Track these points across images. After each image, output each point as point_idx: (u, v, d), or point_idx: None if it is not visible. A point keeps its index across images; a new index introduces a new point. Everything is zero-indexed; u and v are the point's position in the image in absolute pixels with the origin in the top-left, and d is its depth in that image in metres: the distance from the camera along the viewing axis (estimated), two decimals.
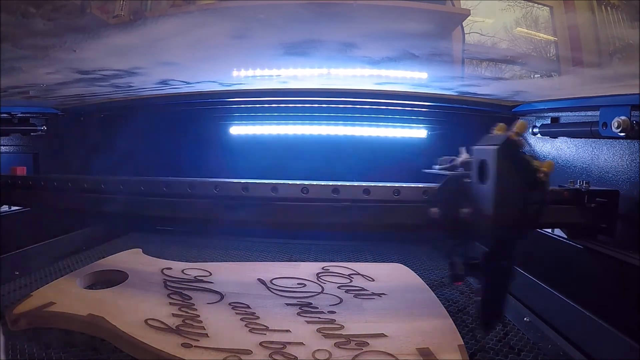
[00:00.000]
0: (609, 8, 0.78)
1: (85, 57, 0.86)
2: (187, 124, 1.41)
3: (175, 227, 1.40)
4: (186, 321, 0.69)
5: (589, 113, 0.84)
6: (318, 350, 0.62)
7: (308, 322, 0.71)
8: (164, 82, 1.05)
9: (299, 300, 0.80)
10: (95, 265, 0.96)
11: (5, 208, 1.02)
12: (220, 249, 1.23)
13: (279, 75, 0.98)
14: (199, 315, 0.72)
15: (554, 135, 0.98)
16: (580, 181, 0.78)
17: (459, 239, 0.61)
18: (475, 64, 0.91)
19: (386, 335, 0.66)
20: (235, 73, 0.98)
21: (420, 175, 0.76)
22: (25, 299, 0.75)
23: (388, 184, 0.70)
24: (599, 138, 0.79)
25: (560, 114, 0.95)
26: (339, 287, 0.87)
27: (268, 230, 1.34)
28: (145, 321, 0.68)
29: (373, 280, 0.91)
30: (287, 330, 0.68)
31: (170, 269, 0.94)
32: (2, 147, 1.11)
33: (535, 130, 1.02)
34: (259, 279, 0.89)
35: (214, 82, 1.09)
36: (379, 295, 0.83)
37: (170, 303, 0.76)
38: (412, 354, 0.61)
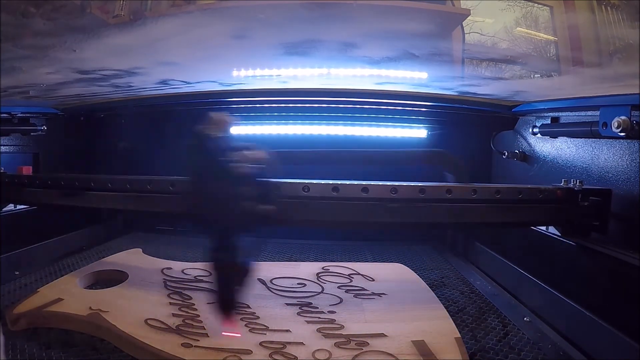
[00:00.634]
0: (609, 8, 0.78)
1: (85, 57, 0.86)
2: (187, 124, 1.41)
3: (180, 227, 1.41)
4: (186, 321, 0.69)
5: (589, 113, 0.84)
6: (318, 350, 0.62)
7: (308, 322, 0.71)
8: (164, 82, 1.05)
9: (299, 300, 0.80)
10: (95, 265, 0.96)
11: (10, 207, 1.03)
12: None
13: (279, 75, 0.98)
14: (199, 315, 0.72)
15: (554, 135, 0.98)
16: (574, 180, 0.79)
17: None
18: (475, 63, 0.91)
19: (386, 335, 0.66)
20: (235, 73, 0.98)
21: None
22: (26, 299, 0.75)
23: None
24: (599, 138, 0.79)
25: (560, 113, 0.95)
26: (339, 287, 0.87)
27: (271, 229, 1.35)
28: (145, 321, 0.68)
29: (373, 280, 0.91)
30: (287, 330, 0.68)
31: (170, 269, 0.94)
32: (2, 147, 1.11)
33: (535, 130, 1.02)
34: (258, 279, 0.89)
35: (214, 82, 1.09)
36: (379, 295, 0.83)
37: (170, 303, 0.76)
38: (412, 353, 0.61)
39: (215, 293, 0.61)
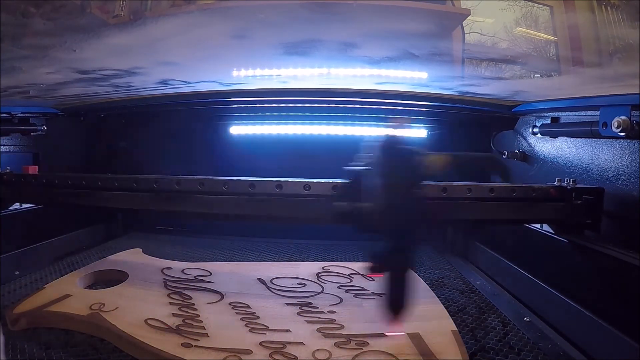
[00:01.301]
0: (609, 8, 0.78)
1: (85, 57, 0.86)
2: (187, 124, 1.41)
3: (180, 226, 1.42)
4: (186, 321, 0.69)
5: (589, 113, 0.84)
6: (318, 350, 0.62)
7: (308, 321, 0.71)
8: (164, 82, 1.05)
9: (299, 300, 0.80)
10: (95, 265, 0.96)
11: (16, 206, 1.03)
12: (220, 249, 1.23)
13: (279, 75, 0.98)
14: (199, 315, 0.72)
15: (554, 135, 0.98)
16: (567, 179, 0.81)
17: (365, 232, 0.63)
18: (475, 63, 0.90)
19: (386, 335, 0.66)
20: (235, 73, 0.98)
21: None
22: (26, 299, 0.75)
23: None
24: (599, 138, 0.80)
25: (560, 113, 0.95)
26: (339, 287, 0.87)
27: (269, 229, 1.35)
28: (146, 321, 0.68)
29: (373, 280, 0.91)
30: (287, 330, 0.68)
31: (170, 269, 0.94)
32: (2, 147, 1.11)
33: (536, 130, 1.02)
34: (259, 279, 0.90)
35: (214, 82, 1.08)
36: (379, 295, 0.83)
37: (170, 303, 0.76)
38: (412, 353, 0.61)
39: (386, 294, 0.62)
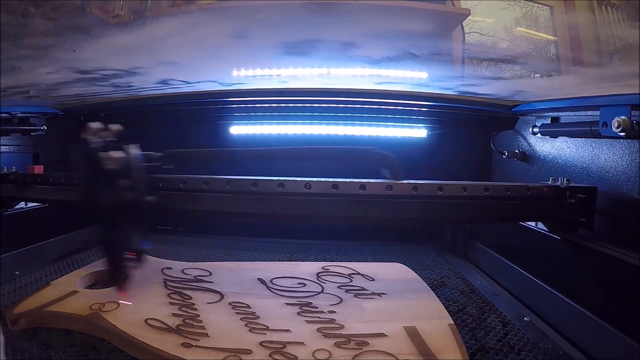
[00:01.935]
0: (609, 8, 0.78)
1: (85, 56, 0.86)
2: (187, 124, 1.41)
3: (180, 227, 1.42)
4: (186, 321, 0.69)
5: (589, 113, 0.84)
6: (318, 349, 0.62)
7: (308, 321, 0.71)
8: (164, 82, 1.05)
9: (299, 300, 0.80)
10: (95, 265, 0.96)
11: (22, 205, 1.04)
12: (220, 249, 1.23)
13: (279, 75, 0.98)
14: (199, 315, 0.72)
15: (554, 135, 0.98)
16: (561, 179, 0.83)
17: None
18: (475, 63, 0.90)
19: (386, 335, 0.66)
20: (235, 73, 0.98)
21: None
22: (26, 299, 0.75)
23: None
24: (599, 138, 0.80)
25: (560, 113, 0.95)
26: (339, 287, 0.87)
27: (269, 229, 1.35)
28: (146, 321, 0.68)
29: (373, 280, 0.91)
30: (287, 330, 0.68)
31: (170, 268, 0.94)
32: (2, 147, 1.11)
33: (536, 129, 1.02)
34: (259, 279, 0.90)
35: (214, 81, 1.09)
36: (379, 295, 0.83)
37: (171, 303, 0.76)
38: (412, 353, 0.61)
39: (107, 267, 0.70)
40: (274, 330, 0.68)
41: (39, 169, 1.00)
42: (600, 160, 0.84)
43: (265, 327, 0.68)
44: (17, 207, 1.03)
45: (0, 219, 0.95)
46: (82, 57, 0.86)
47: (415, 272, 0.98)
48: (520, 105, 1.05)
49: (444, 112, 1.22)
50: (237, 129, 1.37)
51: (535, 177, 1.04)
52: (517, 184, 0.80)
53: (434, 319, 0.72)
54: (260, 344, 0.63)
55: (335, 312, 0.75)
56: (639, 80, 0.70)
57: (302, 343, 0.64)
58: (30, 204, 1.05)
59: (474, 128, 1.29)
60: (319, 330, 0.68)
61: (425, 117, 1.29)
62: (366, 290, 0.85)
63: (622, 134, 0.70)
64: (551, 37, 0.85)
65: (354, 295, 0.83)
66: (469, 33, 0.84)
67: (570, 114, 0.92)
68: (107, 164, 0.63)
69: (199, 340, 0.63)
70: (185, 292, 0.82)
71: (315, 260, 1.11)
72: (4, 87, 0.96)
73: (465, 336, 0.70)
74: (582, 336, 0.71)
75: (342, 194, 0.74)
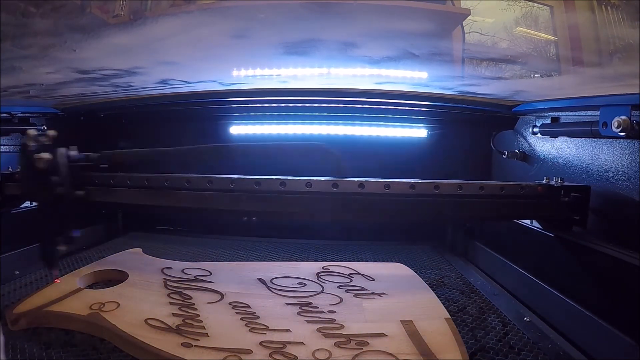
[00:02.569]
0: (609, 8, 0.78)
1: (85, 56, 0.86)
2: (187, 124, 1.41)
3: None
4: (186, 321, 0.69)
5: (589, 113, 0.84)
6: (318, 349, 0.62)
7: (308, 321, 0.71)
8: (164, 82, 1.05)
9: (299, 299, 0.80)
10: (95, 265, 0.96)
11: (27, 204, 1.03)
12: (220, 248, 1.23)
13: (279, 75, 0.98)
14: (199, 315, 0.72)
15: (554, 135, 0.98)
16: (555, 178, 0.84)
17: None
18: (475, 63, 0.91)
19: (386, 335, 0.66)
20: (235, 72, 0.98)
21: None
22: (26, 299, 0.75)
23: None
24: (599, 138, 0.80)
25: (560, 113, 0.95)
26: (339, 287, 0.87)
27: (269, 229, 1.36)
28: (146, 321, 0.68)
29: (373, 279, 0.91)
30: (287, 330, 0.68)
31: (170, 268, 0.94)
32: (2, 147, 1.11)
33: (536, 129, 1.02)
34: (259, 279, 0.89)
35: (214, 81, 1.09)
36: (379, 294, 0.83)
37: (170, 303, 0.76)
38: (412, 353, 0.61)
39: (41, 252, 0.79)
40: (274, 330, 0.68)
41: None
42: (600, 160, 0.84)
43: (265, 327, 0.68)
44: (22, 206, 1.02)
45: (0, 219, 0.95)
46: (82, 57, 0.86)
47: (415, 272, 0.97)
48: (520, 105, 1.05)
49: (444, 112, 1.22)
50: (237, 129, 1.37)
51: (535, 177, 1.04)
52: (511, 182, 0.82)
53: (434, 319, 0.72)
54: (260, 343, 0.63)
55: (335, 312, 0.75)
56: (639, 80, 0.70)
57: (302, 343, 0.64)
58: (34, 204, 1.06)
59: (474, 128, 1.29)
60: (319, 330, 0.68)
61: (425, 117, 1.29)
62: (366, 290, 0.85)
63: (622, 134, 0.70)
64: (551, 37, 0.85)
65: (354, 295, 0.83)
66: (469, 33, 0.84)
67: (570, 114, 0.92)
68: (37, 163, 0.72)
69: (199, 340, 0.63)
70: (185, 292, 0.82)
71: (315, 260, 1.11)
72: (4, 87, 0.96)
73: (465, 336, 0.70)
74: (575, 332, 0.72)
75: (341, 193, 0.76)
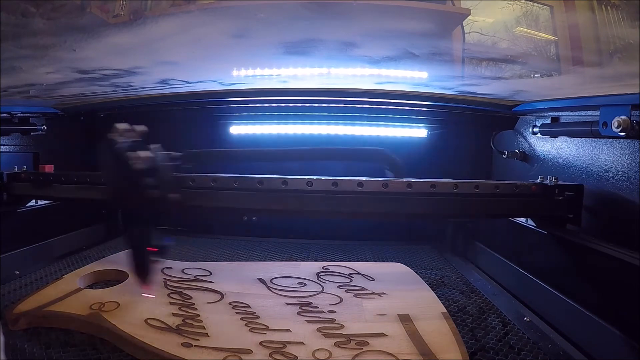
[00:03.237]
0: (609, 7, 0.78)
1: (85, 56, 0.86)
2: (187, 124, 1.41)
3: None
4: (186, 321, 0.69)
5: (589, 112, 0.84)
6: (318, 349, 0.62)
7: (308, 321, 0.71)
8: (164, 82, 1.05)
9: (299, 299, 0.80)
10: (95, 265, 0.96)
11: (32, 203, 1.06)
12: (220, 248, 1.23)
13: (279, 75, 0.98)
14: (199, 315, 0.72)
15: (554, 135, 0.98)
16: (550, 177, 0.86)
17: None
18: (475, 63, 0.90)
19: (386, 335, 0.66)
20: (235, 72, 0.98)
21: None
22: (26, 299, 0.75)
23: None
24: (599, 137, 0.80)
25: (560, 113, 0.96)
26: (339, 287, 0.87)
27: (269, 229, 1.36)
28: (146, 321, 0.68)
29: (373, 279, 0.91)
30: (287, 330, 0.68)
31: (170, 268, 0.94)
32: (2, 146, 1.11)
33: (536, 129, 1.02)
34: (259, 279, 0.90)
35: (214, 81, 1.09)
36: (379, 294, 0.83)
37: (171, 302, 0.76)
38: (412, 353, 0.61)
39: (133, 263, 0.71)
40: (274, 330, 0.68)
41: (49, 168, 1.02)
42: (600, 160, 0.84)
43: (265, 327, 0.68)
44: (28, 204, 1.05)
45: (0, 219, 0.95)
46: (82, 57, 0.86)
47: (415, 272, 0.98)
48: (520, 105, 1.05)
49: (444, 111, 1.23)
50: (237, 129, 1.37)
51: (535, 177, 1.04)
52: (506, 182, 0.83)
53: (434, 319, 0.72)
54: (260, 343, 0.63)
55: (335, 311, 0.75)
56: (639, 80, 0.70)
57: (302, 343, 0.64)
58: (40, 202, 1.07)
59: (474, 128, 1.29)
60: (319, 330, 0.68)
61: (426, 117, 1.29)
62: (366, 290, 0.85)
63: (622, 133, 0.70)
64: (551, 37, 0.85)
65: (354, 295, 0.83)
66: (469, 33, 0.84)
67: (570, 113, 0.93)
68: (135, 163, 0.64)
69: (199, 340, 0.63)
70: (185, 292, 0.82)
71: (315, 260, 1.11)
72: (4, 87, 0.96)
73: (465, 336, 0.70)
74: (572, 330, 0.73)
75: (341, 191, 0.78)
